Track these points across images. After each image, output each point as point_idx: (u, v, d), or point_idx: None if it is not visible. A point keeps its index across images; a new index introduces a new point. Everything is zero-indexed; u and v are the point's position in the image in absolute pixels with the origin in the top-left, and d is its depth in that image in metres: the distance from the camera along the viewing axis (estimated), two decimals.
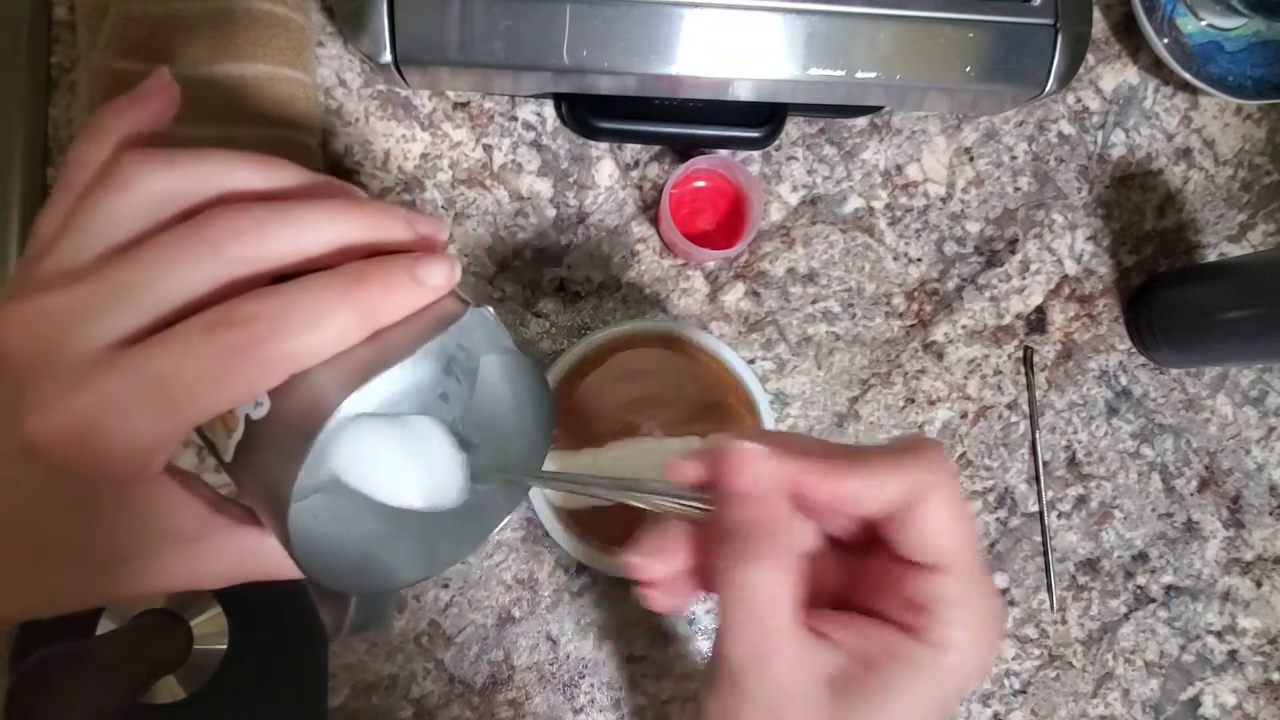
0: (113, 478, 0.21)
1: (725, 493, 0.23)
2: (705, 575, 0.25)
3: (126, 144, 0.23)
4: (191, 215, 0.21)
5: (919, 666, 0.23)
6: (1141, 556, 0.49)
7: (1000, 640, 0.22)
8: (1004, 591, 0.48)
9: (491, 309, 0.23)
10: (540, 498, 0.39)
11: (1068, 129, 0.48)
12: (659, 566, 0.25)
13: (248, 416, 0.22)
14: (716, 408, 0.41)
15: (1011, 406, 0.48)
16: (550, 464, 0.39)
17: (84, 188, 0.22)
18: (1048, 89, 0.41)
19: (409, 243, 0.23)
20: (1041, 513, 0.48)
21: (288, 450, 0.21)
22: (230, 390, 0.20)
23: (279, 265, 0.21)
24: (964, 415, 0.48)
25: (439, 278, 0.22)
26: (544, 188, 0.45)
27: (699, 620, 0.46)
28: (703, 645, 0.45)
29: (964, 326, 0.48)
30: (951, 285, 0.47)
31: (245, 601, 0.40)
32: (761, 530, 0.23)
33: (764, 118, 0.43)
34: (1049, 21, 0.40)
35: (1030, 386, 0.48)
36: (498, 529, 0.28)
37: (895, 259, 0.47)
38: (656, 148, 0.46)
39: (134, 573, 0.24)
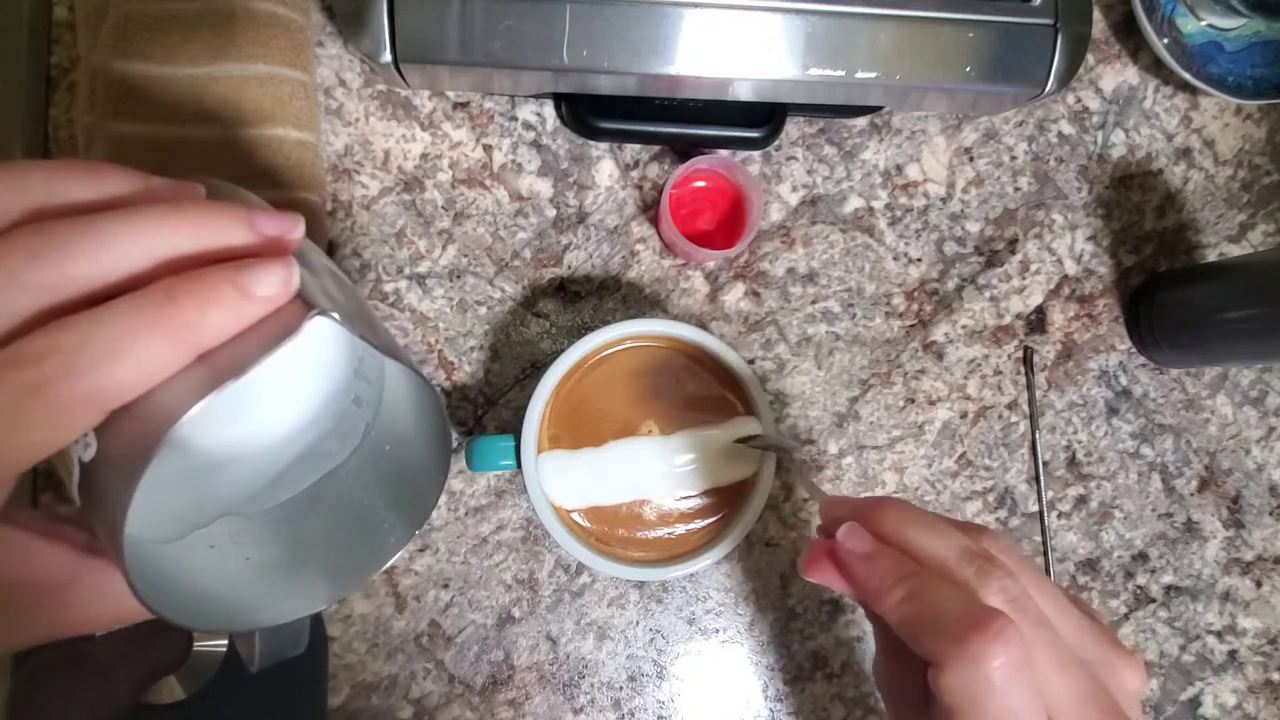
0: None
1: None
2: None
3: None
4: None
5: None
6: (1141, 556, 0.49)
7: None
8: None
9: (337, 314, 0.20)
10: (540, 498, 0.39)
11: (1068, 129, 0.48)
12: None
13: (80, 459, 0.20)
14: (716, 407, 0.41)
15: (1011, 406, 0.48)
16: (550, 464, 0.39)
17: None
18: (1048, 89, 0.41)
19: (252, 247, 0.21)
20: (1041, 513, 0.48)
21: (118, 489, 0.19)
22: (35, 436, 0.18)
23: (93, 288, 0.19)
24: (964, 415, 0.48)
25: (270, 287, 0.19)
26: (544, 188, 0.45)
27: (699, 620, 0.46)
28: (703, 645, 0.46)
29: (964, 326, 0.48)
30: (951, 285, 0.47)
31: None
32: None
33: (764, 118, 0.43)
34: (1049, 21, 0.40)
35: (1030, 386, 0.48)
36: (395, 555, 0.27)
37: (895, 259, 0.47)
38: (656, 148, 0.46)
39: (6, 627, 0.22)
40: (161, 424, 0.18)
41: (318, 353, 0.26)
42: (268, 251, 0.21)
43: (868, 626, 0.47)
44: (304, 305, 0.20)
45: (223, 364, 0.19)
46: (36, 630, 0.22)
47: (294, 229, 0.22)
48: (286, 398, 0.26)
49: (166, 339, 0.18)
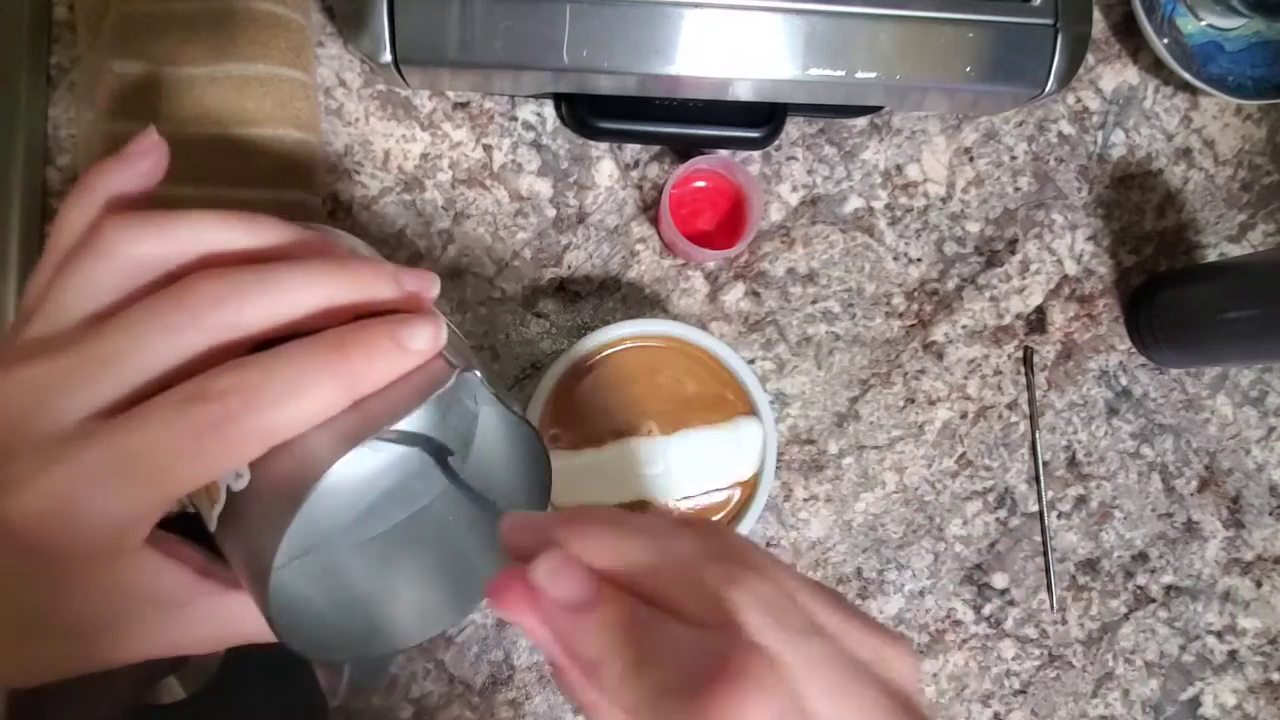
0: (89, 554, 0.21)
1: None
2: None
3: (111, 207, 0.22)
4: (175, 278, 0.21)
5: None
6: (1141, 556, 0.49)
7: None
8: (1004, 592, 0.48)
9: (479, 372, 0.22)
10: None
11: (1068, 129, 0.48)
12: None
13: (229, 488, 0.21)
14: (716, 407, 0.41)
15: (1011, 406, 0.48)
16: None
17: (67, 253, 0.21)
18: (1048, 89, 0.41)
19: (396, 301, 0.23)
20: (1041, 513, 0.48)
21: (268, 523, 0.20)
22: (207, 465, 0.20)
23: (261, 331, 0.21)
24: (964, 415, 0.48)
25: (423, 342, 0.21)
26: (544, 188, 0.45)
27: None
28: None
29: (964, 326, 0.48)
30: (951, 285, 0.47)
31: None
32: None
33: (764, 118, 0.43)
34: (1049, 21, 0.40)
35: (1030, 386, 0.48)
36: (483, 602, 0.27)
37: (895, 259, 0.47)
38: (656, 148, 0.46)
39: (115, 642, 0.23)
40: (319, 465, 0.20)
41: None
42: (408, 306, 0.23)
43: None
44: (446, 362, 0.22)
45: (375, 411, 0.21)
46: (147, 647, 0.23)
47: (432, 287, 0.24)
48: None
49: (334, 384, 0.20)
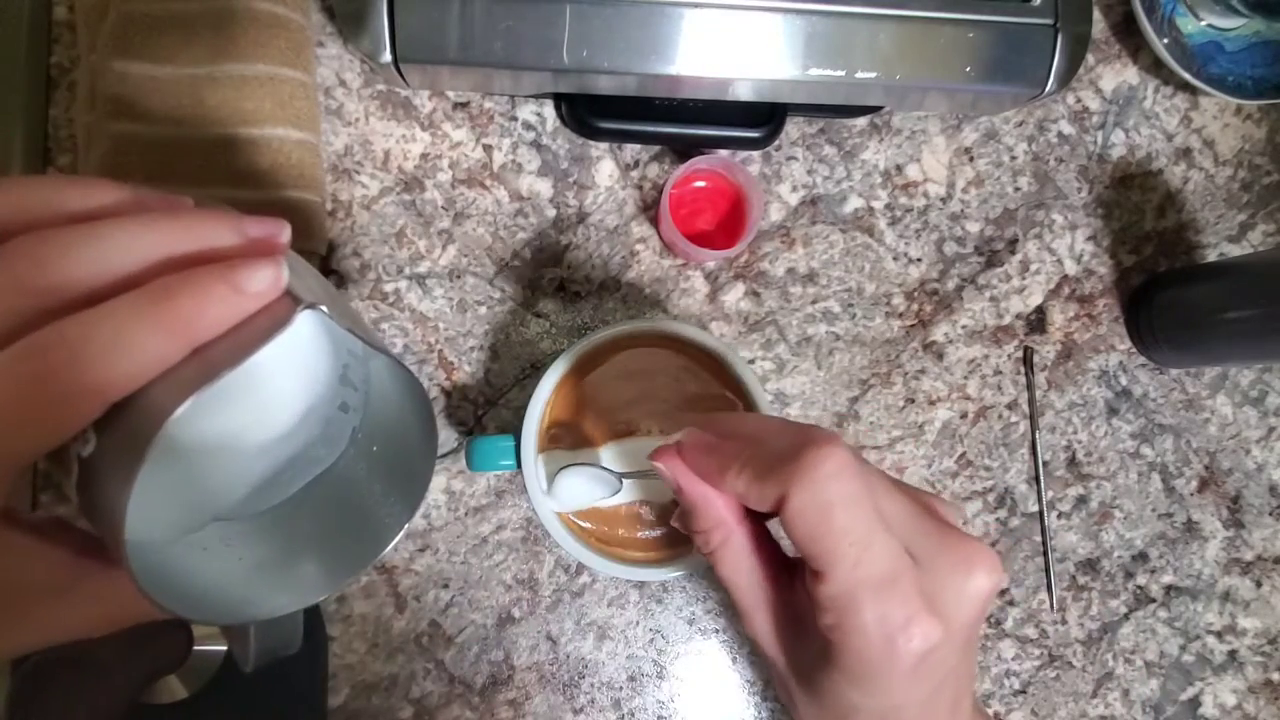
0: None
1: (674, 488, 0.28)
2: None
3: None
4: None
5: (828, 664, 0.25)
6: (1141, 556, 0.49)
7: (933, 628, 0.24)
8: (1004, 592, 0.48)
9: (325, 307, 0.21)
10: (541, 498, 0.39)
11: (1068, 129, 0.48)
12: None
13: (79, 456, 0.20)
14: (716, 407, 0.41)
15: (1011, 406, 0.48)
16: (551, 464, 0.39)
17: None
18: (1048, 89, 0.41)
19: (238, 248, 0.21)
20: (1041, 513, 0.48)
21: (116, 485, 0.19)
22: (41, 429, 0.19)
23: (91, 290, 0.20)
24: (964, 415, 0.48)
25: (261, 283, 0.20)
26: (544, 188, 0.45)
27: (699, 620, 0.46)
28: (703, 645, 0.46)
29: (964, 326, 0.48)
30: (951, 285, 0.48)
31: None
32: (699, 519, 0.28)
33: (764, 118, 0.43)
34: (1049, 21, 0.40)
35: (1030, 386, 0.48)
36: (391, 545, 0.27)
37: (895, 259, 0.47)
38: (656, 148, 0.46)
39: (2, 632, 0.22)
40: (159, 415, 0.19)
41: (303, 356, 0.27)
42: (254, 253, 0.21)
43: None
44: (293, 302, 0.21)
45: (217, 358, 0.20)
46: (33, 636, 0.23)
47: (280, 232, 0.23)
48: (273, 400, 0.26)
49: (165, 333, 0.19)
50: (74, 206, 0.21)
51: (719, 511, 0.28)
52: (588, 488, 0.37)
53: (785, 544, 0.28)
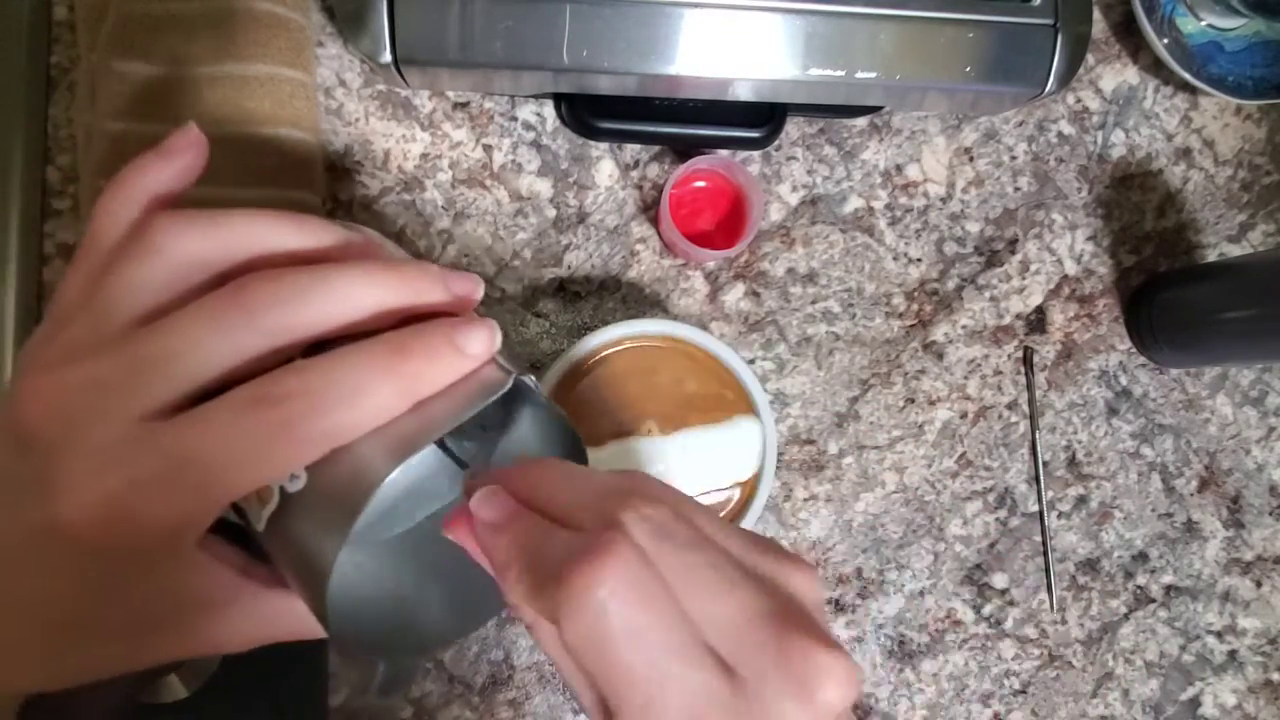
0: (144, 557, 0.21)
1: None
2: None
3: (155, 205, 0.22)
4: (224, 279, 0.20)
5: None
6: (1141, 556, 0.49)
7: None
8: (1004, 592, 0.48)
9: (534, 378, 0.23)
10: None
11: (1068, 129, 0.48)
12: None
13: (283, 489, 0.21)
14: (716, 407, 0.41)
15: (1011, 406, 0.48)
16: None
17: (111, 251, 0.21)
18: (1048, 89, 0.41)
19: (444, 304, 0.23)
20: (1041, 513, 0.48)
21: (326, 524, 0.20)
22: (267, 469, 0.20)
23: (316, 334, 0.21)
24: (964, 415, 0.48)
25: (479, 346, 0.22)
26: (544, 188, 0.45)
27: None
28: None
29: (964, 326, 0.48)
30: (951, 285, 0.47)
31: None
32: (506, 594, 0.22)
33: (764, 118, 0.43)
34: (1049, 21, 0.40)
35: (1030, 386, 0.48)
36: None
37: (895, 259, 0.47)
38: (656, 148, 0.46)
39: (159, 643, 0.23)
40: (384, 465, 0.20)
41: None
42: (456, 309, 0.23)
43: (867, 626, 0.47)
44: (495, 365, 0.22)
45: (437, 414, 0.21)
46: (189, 646, 0.23)
47: (477, 290, 0.24)
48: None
49: (394, 387, 0.20)
50: (292, 245, 0.22)
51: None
52: None
53: None
